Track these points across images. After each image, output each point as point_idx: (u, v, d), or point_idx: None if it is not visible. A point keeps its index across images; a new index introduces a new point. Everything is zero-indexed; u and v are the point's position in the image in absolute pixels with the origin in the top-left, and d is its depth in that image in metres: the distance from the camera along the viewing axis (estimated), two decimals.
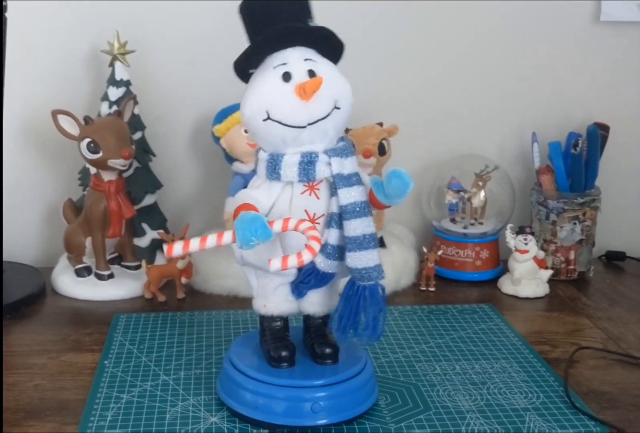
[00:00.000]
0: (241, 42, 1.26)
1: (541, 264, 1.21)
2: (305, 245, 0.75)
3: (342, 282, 0.83)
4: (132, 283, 1.17)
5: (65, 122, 1.10)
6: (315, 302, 0.85)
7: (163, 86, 1.26)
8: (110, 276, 1.17)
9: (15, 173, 1.26)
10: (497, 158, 1.34)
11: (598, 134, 1.24)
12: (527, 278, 1.20)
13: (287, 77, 0.77)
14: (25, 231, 1.30)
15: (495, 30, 1.31)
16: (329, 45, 0.79)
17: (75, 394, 0.89)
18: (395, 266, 1.20)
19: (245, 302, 1.14)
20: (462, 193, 1.26)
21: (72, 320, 1.10)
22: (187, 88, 1.27)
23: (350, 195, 0.78)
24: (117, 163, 1.10)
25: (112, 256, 1.22)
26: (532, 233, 1.21)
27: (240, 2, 0.79)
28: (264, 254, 0.79)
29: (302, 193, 0.79)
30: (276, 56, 0.78)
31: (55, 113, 1.09)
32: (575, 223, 1.25)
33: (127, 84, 1.18)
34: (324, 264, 0.80)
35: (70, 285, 1.17)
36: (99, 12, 1.22)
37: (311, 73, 0.77)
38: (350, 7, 1.24)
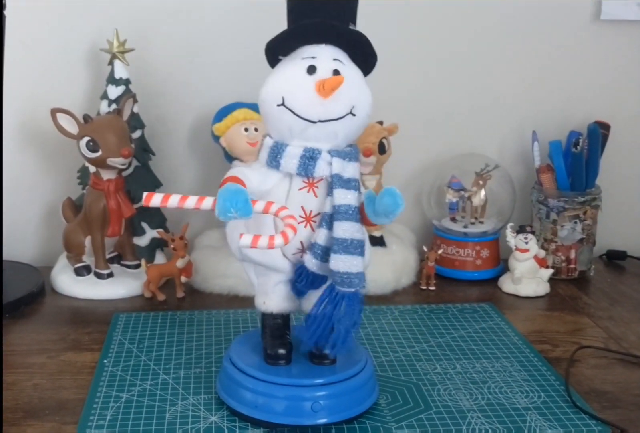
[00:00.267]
0: (241, 41, 1.27)
1: (542, 263, 1.21)
2: (281, 231, 0.74)
3: None
4: (132, 282, 1.17)
5: (64, 120, 1.10)
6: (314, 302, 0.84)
7: (162, 85, 1.26)
8: (110, 275, 1.17)
9: (15, 172, 1.26)
10: (498, 157, 1.33)
11: (599, 133, 1.23)
12: (528, 277, 1.19)
13: (311, 70, 0.77)
14: (24, 230, 1.30)
15: (495, 29, 1.31)
16: (362, 53, 0.79)
17: (74, 393, 0.89)
18: (396, 265, 1.20)
19: (245, 301, 1.14)
20: (462, 192, 1.26)
21: (71, 319, 1.09)
22: (187, 87, 1.27)
23: (346, 197, 0.78)
24: (117, 161, 1.10)
25: (112, 255, 1.22)
26: (533, 232, 1.20)
27: None
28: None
29: (300, 189, 0.79)
30: (307, 49, 0.78)
31: (54, 112, 1.09)
32: (575, 222, 1.25)
33: (126, 82, 1.18)
34: (311, 263, 0.79)
35: (70, 284, 1.17)
36: (98, 10, 1.22)
37: (336, 73, 0.77)
38: None
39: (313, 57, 0.77)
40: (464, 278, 1.26)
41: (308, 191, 0.79)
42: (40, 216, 1.31)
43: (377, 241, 1.21)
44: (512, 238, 1.20)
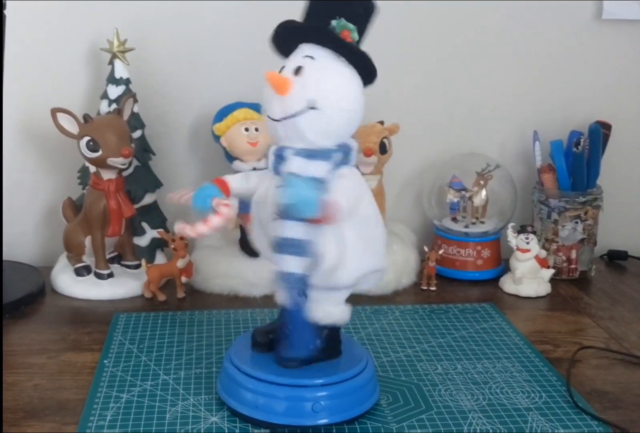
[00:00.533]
0: (242, 41, 1.27)
1: (543, 263, 1.21)
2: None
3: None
4: (132, 282, 1.17)
5: (64, 120, 1.10)
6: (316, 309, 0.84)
7: (163, 84, 1.26)
8: (110, 275, 1.17)
9: (15, 172, 1.25)
10: (499, 157, 1.33)
11: (600, 133, 1.23)
12: (529, 277, 1.19)
13: (280, 69, 0.78)
14: (24, 230, 1.30)
15: (496, 28, 1.31)
16: (363, 66, 0.78)
17: (74, 394, 0.88)
18: (397, 265, 1.19)
19: (245, 301, 1.14)
20: (463, 192, 1.26)
21: (71, 319, 1.09)
22: (187, 86, 1.27)
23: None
24: (117, 161, 1.10)
25: (112, 255, 1.22)
26: (534, 232, 1.20)
27: None
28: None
29: (277, 187, 0.78)
30: (301, 48, 0.79)
31: (54, 111, 1.09)
32: (577, 222, 1.25)
33: (126, 82, 1.18)
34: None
35: (70, 284, 1.17)
36: (98, 10, 1.21)
37: (297, 70, 0.77)
38: None
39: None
40: (464, 278, 1.26)
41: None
42: (40, 216, 1.31)
43: None
44: (513, 238, 1.20)
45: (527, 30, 1.31)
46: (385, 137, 1.20)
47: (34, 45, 1.23)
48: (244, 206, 0.83)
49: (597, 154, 1.24)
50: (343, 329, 0.87)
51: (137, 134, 1.19)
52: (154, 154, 1.24)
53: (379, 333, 1.05)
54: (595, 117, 1.30)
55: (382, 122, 1.23)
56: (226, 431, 0.81)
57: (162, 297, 1.14)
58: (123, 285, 1.16)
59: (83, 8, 1.21)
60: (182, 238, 1.13)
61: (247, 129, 1.15)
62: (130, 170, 1.20)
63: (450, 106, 1.33)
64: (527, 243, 1.19)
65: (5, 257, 1.18)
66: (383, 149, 1.20)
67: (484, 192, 1.26)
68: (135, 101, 1.17)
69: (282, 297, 0.81)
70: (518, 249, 1.19)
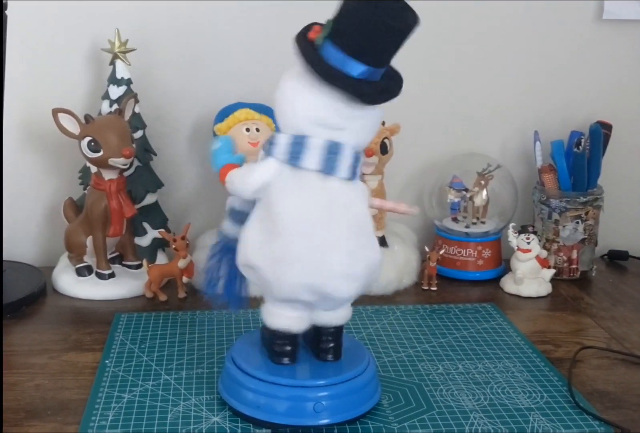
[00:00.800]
0: (243, 41, 1.27)
1: (543, 263, 1.21)
2: None
3: None
4: (133, 283, 1.17)
5: (65, 120, 1.10)
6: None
7: (164, 85, 1.26)
8: (111, 275, 1.17)
9: (16, 172, 1.26)
10: (500, 157, 1.33)
11: (601, 133, 1.23)
12: (530, 277, 1.19)
13: None
14: (25, 230, 1.30)
15: (497, 28, 1.31)
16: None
17: (76, 394, 0.88)
18: (397, 265, 1.19)
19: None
20: (464, 192, 1.26)
21: (72, 319, 1.09)
22: (188, 87, 1.27)
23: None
24: (118, 161, 1.10)
25: (113, 255, 1.22)
26: (535, 232, 1.20)
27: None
28: None
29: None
30: None
31: (55, 112, 1.09)
32: (577, 222, 1.25)
33: (127, 82, 1.18)
34: (229, 229, 0.85)
35: (71, 284, 1.17)
36: (99, 10, 1.21)
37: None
38: None
39: None
40: (465, 278, 1.26)
41: None
42: (41, 216, 1.31)
43: (379, 242, 1.20)
44: (514, 238, 1.20)
45: (527, 30, 1.31)
46: (386, 138, 1.20)
47: (35, 45, 1.23)
48: None
49: (597, 155, 1.24)
50: (344, 329, 0.87)
51: (138, 134, 1.20)
52: (155, 154, 1.24)
53: (380, 333, 1.05)
54: (596, 117, 1.30)
55: (383, 123, 1.23)
56: (228, 431, 0.81)
57: (163, 297, 1.14)
58: (124, 285, 1.16)
59: (84, 8, 1.21)
60: (183, 238, 1.13)
61: (248, 130, 1.15)
62: (132, 170, 1.20)
63: (451, 106, 1.33)
64: (528, 243, 1.19)
65: (6, 257, 1.18)
66: (384, 149, 1.20)
67: (484, 192, 1.26)
68: (137, 101, 1.17)
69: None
70: (519, 249, 1.19)
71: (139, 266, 1.20)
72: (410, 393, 0.89)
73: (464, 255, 1.26)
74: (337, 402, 0.82)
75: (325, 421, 0.81)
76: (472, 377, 0.93)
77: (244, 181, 0.80)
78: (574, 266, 1.26)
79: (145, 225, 1.23)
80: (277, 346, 0.84)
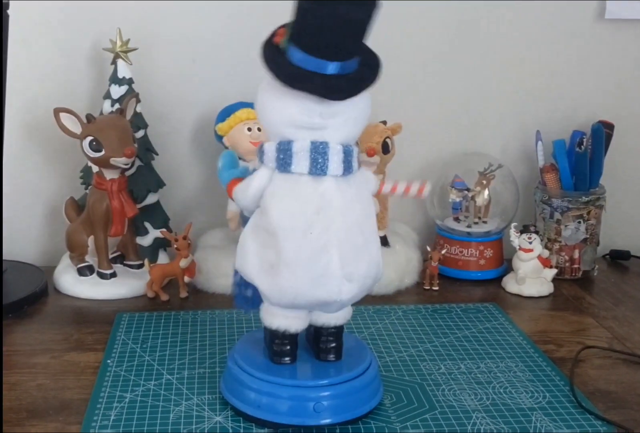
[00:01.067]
0: (244, 41, 1.27)
1: (545, 263, 1.21)
2: None
3: None
4: (135, 282, 1.17)
5: (67, 120, 1.10)
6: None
7: (165, 84, 1.26)
8: (113, 275, 1.17)
9: (18, 171, 1.26)
10: (501, 157, 1.33)
11: (603, 133, 1.23)
12: (532, 277, 1.19)
13: None
14: (27, 230, 1.30)
15: (499, 28, 1.31)
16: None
17: (78, 393, 0.88)
18: (399, 265, 1.19)
19: None
20: (465, 192, 1.26)
21: (74, 319, 1.09)
22: (190, 86, 1.27)
23: None
24: (120, 161, 1.10)
25: (115, 255, 1.22)
26: (537, 232, 1.20)
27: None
28: None
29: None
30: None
31: (57, 111, 1.09)
32: (579, 222, 1.25)
33: (129, 82, 1.18)
34: None
35: (73, 283, 1.17)
36: (101, 10, 1.21)
37: None
38: None
39: None
40: (467, 278, 1.25)
41: None
42: (43, 215, 1.31)
43: (381, 241, 1.20)
44: (515, 238, 1.20)
45: (529, 30, 1.31)
46: (387, 137, 1.20)
47: (36, 45, 1.23)
48: None
49: (599, 154, 1.24)
50: (346, 328, 0.87)
51: (139, 133, 1.19)
52: (156, 153, 1.24)
53: (382, 333, 1.05)
54: (597, 117, 1.30)
55: (384, 122, 1.23)
56: (230, 431, 0.81)
57: (164, 297, 1.14)
58: (126, 285, 1.16)
59: (86, 8, 1.21)
60: (184, 238, 1.13)
61: (249, 129, 1.15)
62: (133, 170, 1.20)
63: (453, 105, 1.33)
64: (530, 242, 1.18)
65: (7, 257, 1.18)
66: (385, 149, 1.20)
67: (486, 192, 1.26)
68: (138, 100, 1.17)
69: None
70: (521, 249, 1.19)
71: (140, 266, 1.20)
72: (412, 393, 0.89)
73: (466, 255, 1.26)
74: (339, 401, 0.81)
75: (327, 421, 0.81)
76: (474, 377, 0.93)
77: (245, 194, 0.80)
78: (575, 266, 1.26)
79: (147, 225, 1.23)
80: (277, 345, 0.84)
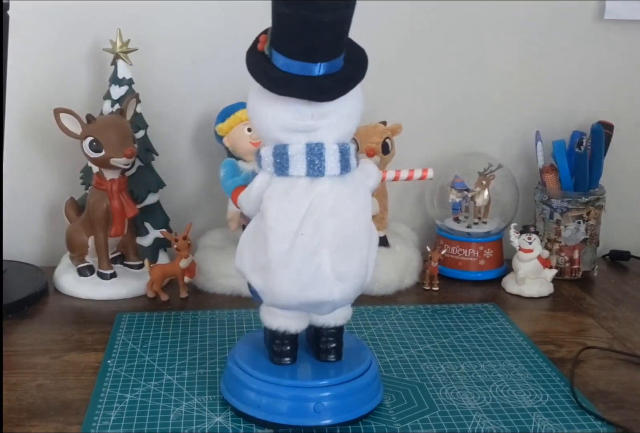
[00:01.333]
0: (244, 41, 1.26)
1: (545, 263, 1.21)
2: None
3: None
4: (135, 282, 1.17)
5: (67, 120, 1.10)
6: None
7: (165, 85, 1.26)
8: (113, 275, 1.17)
9: (17, 172, 1.26)
10: (501, 157, 1.33)
11: (602, 133, 1.23)
12: (531, 277, 1.19)
13: None
14: (27, 230, 1.30)
15: (498, 28, 1.31)
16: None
17: (78, 394, 0.88)
18: (399, 265, 1.19)
19: (248, 301, 1.13)
20: (465, 192, 1.26)
21: (74, 319, 1.09)
22: (190, 86, 1.27)
23: None
24: (120, 161, 1.10)
25: (115, 255, 1.22)
26: (536, 232, 1.20)
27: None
28: None
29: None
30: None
31: (57, 112, 1.09)
32: (579, 222, 1.25)
33: (129, 82, 1.18)
34: None
35: (73, 284, 1.17)
36: (101, 10, 1.21)
37: None
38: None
39: None
40: (467, 278, 1.26)
41: None
42: (43, 216, 1.31)
43: (380, 242, 1.20)
44: (515, 238, 1.20)
45: (529, 30, 1.31)
46: (387, 138, 1.20)
47: (36, 45, 1.23)
48: None
49: (599, 155, 1.24)
50: (346, 329, 0.87)
51: (139, 134, 1.20)
52: (156, 154, 1.24)
53: (382, 333, 1.05)
54: (597, 117, 1.30)
55: (384, 123, 1.23)
56: (230, 431, 0.81)
57: (164, 297, 1.14)
58: (126, 285, 1.16)
59: (86, 8, 1.21)
60: (184, 238, 1.13)
61: (249, 130, 1.15)
62: (133, 170, 1.20)
63: (453, 106, 1.33)
64: (530, 243, 1.18)
65: (8, 257, 1.18)
66: (385, 149, 1.20)
67: (486, 192, 1.26)
68: (138, 101, 1.17)
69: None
70: (520, 249, 1.19)
71: (140, 266, 1.20)
72: (412, 393, 0.89)
73: (466, 255, 1.26)
74: (339, 402, 0.81)
75: (327, 421, 0.81)
76: (474, 377, 0.93)
77: (248, 200, 0.80)
78: (575, 267, 1.26)
79: (147, 225, 1.23)
80: (277, 346, 0.84)
